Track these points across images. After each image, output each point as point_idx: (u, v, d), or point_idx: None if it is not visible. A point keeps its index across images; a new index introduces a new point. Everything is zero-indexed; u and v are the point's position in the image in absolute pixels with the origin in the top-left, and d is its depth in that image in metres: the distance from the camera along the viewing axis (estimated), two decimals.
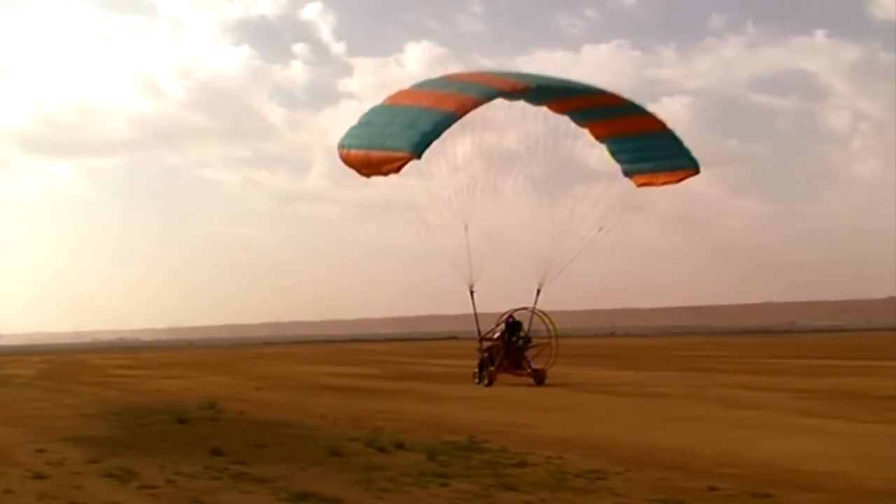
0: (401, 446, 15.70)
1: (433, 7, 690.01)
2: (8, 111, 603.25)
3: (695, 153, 27.93)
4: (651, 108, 28.64)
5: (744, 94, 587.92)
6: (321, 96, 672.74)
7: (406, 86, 27.24)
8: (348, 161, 24.57)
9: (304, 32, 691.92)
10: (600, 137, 28.72)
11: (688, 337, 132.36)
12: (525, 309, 33.88)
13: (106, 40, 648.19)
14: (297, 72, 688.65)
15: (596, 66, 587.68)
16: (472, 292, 31.92)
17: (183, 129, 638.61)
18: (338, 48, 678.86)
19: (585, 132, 28.88)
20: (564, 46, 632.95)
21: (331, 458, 14.79)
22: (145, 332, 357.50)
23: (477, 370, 34.02)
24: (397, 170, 23.43)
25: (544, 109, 28.44)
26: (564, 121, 28.69)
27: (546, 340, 34.88)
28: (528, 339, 34.31)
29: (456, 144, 26.36)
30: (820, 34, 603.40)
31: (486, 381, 33.10)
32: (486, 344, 34.12)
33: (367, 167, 24.14)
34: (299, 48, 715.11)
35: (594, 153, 29.66)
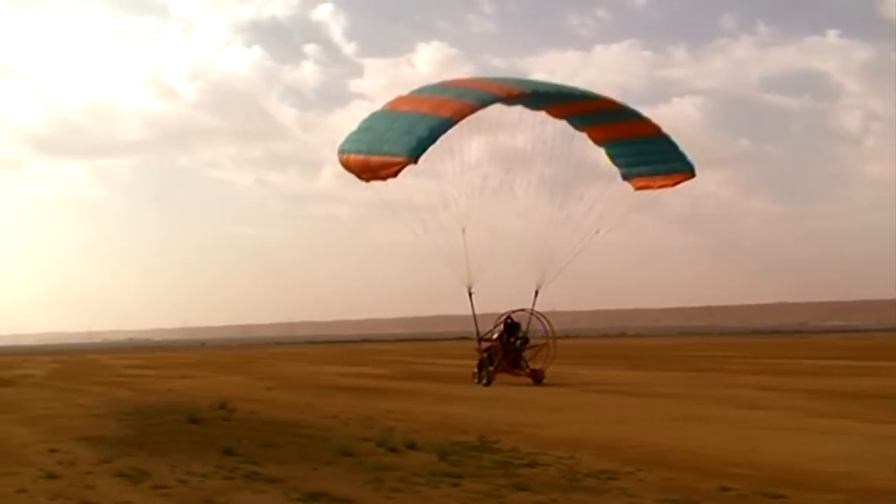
0: (412, 446, 15.74)
1: (444, 7, 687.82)
2: (20, 112, 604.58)
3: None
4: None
5: (756, 94, 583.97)
6: (332, 97, 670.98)
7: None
8: (348, 166, 25.29)
9: (315, 33, 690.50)
10: (598, 141, 29.46)
11: (698, 337, 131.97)
12: (523, 310, 34.49)
13: (118, 41, 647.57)
14: (308, 72, 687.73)
15: (607, 66, 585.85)
16: (470, 294, 32.60)
17: (194, 130, 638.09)
18: (349, 49, 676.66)
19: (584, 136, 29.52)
20: (576, 46, 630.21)
21: (342, 457, 14.83)
22: (156, 332, 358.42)
23: (476, 370, 34.60)
24: (395, 174, 24.20)
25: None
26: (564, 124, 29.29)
27: (544, 341, 35.41)
28: (525, 340, 34.88)
29: (451, 147, 26.83)
30: (832, 34, 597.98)
31: (484, 381, 33.60)
32: (485, 344, 34.79)
33: (367, 172, 24.89)
34: (310, 49, 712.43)
35: (592, 154, 30.29)
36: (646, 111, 29.81)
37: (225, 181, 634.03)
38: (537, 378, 33.52)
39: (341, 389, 32.89)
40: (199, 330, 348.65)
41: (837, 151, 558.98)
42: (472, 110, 25.57)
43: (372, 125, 25.80)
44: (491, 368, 33.88)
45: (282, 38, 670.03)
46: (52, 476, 13.63)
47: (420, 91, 27.44)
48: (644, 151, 28.56)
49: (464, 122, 25.55)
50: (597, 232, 29.45)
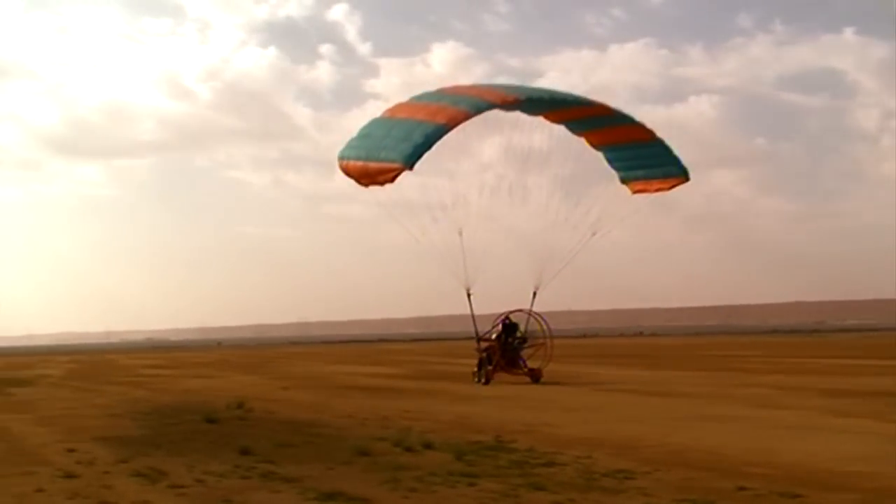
0: (428, 446, 15.74)
1: (459, 7, 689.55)
2: (37, 113, 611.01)
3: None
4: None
5: (772, 92, 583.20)
6: (348, 97, 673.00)
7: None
8: (347, 172, 25.79)
9: (331, 33, 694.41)
10: (596, 146, 29.99)
11: (715, 336, 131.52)
12: (521, 311, 35.03)
13: (134, 42, 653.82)
14: (323, 73, 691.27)
15: (622, 65, 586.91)
16: (468, 295, 33.00)
17: (211, 131, 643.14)
18: (364, 49, 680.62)
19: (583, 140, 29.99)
20: (591, 45, 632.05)
21: (359, 457, 14.85)
22: (173, 332, 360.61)
23: (476, 369, 35.12)
24: (392, 180, 24.79)
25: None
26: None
27: (542, 341, 35.94)
28: (523, 340, 35.40)
29: (446, 150, 27.11)
30: (848, 32, 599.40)
31: (483, 380, 34.02)
32: (484, 344, 35.31)
33: (365, 177, 25.41)
34: (326, 49, 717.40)
35: (592, 154, 30.42)
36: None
37: (242, 181, 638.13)
38: (535, 377, 34.04)
39: (357, 389, 32.94)
40: (216, 330, 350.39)
41: (853, 150, 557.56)
42: (467, 117, 26.16)
43: (370, 132, 26.39)
44: (489, 368, 34.45)
45: (297, 38, 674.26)
46: (70, 475, 13.70)
47: (418, 98, 28.01)
48: (640, 156, 29.30)
49: (460, 126, 26.02)
50: (593, 234, 30.19)
